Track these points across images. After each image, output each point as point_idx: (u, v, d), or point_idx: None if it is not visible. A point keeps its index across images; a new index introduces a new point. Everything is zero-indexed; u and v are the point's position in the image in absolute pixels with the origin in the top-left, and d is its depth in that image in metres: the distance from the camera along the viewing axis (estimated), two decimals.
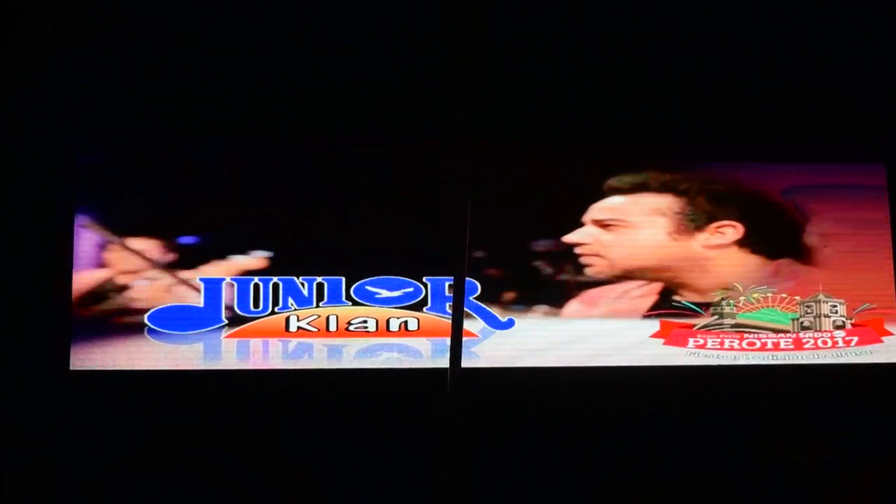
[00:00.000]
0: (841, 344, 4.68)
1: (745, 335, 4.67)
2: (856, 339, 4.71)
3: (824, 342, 4.67)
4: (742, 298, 4.68)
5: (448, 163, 4.74)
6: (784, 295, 4.76)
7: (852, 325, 4.70)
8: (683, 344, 4.66)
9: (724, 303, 4.62)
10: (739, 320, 4.67)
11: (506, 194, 5.01)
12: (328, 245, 4.96)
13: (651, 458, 4.83)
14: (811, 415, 4.75)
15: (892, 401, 4.79)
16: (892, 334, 4.74)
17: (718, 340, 4.67)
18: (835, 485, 4.67)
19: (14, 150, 4.90)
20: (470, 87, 4.08)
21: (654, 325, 4.81)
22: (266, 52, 5.01)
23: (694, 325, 4.71)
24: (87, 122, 4.99)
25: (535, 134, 5.11)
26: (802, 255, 4.95)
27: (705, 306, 4.74)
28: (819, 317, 4.62)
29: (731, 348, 4.65)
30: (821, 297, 4.65)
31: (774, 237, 4.99)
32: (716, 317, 4.62)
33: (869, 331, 4.71)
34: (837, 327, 4.66)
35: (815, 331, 4.66)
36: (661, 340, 4.75)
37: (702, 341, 4.66)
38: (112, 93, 4.98)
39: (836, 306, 4.62)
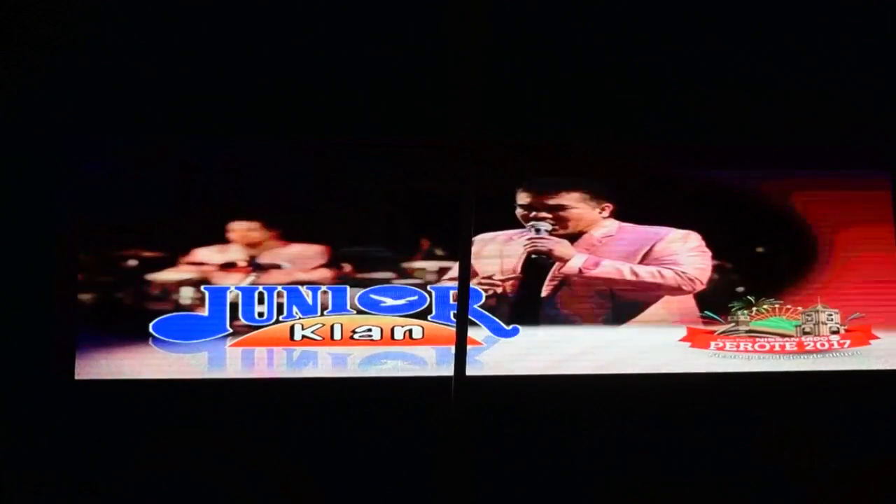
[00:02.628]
0: (836, 346, 5.05)
1: (757, 339, 5.03)
2: (848, 342, 5.07)
3: (822, 345, 5.04)
4: (754, 309, 5.05)
5: (448, 163, 4.76)
6: (788, 306, 5.08)
7: (846, 330, 5.08)
8: (706, 346, 5.00)
9: (739, 312, 5.04)
10: (752, 327, 5.05)
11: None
12: (328, 245, 4.96)
13: (662, 466, 4.88)
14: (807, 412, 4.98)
15: (873, 400, 5.04)
16: (878, 338, 5.08)
17: (735, 343, 5.01)
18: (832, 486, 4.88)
19: (14, 151, 4.86)
20: (470, 87, 4.05)
21: (680, 331, 5.03)
22: (266, 52, 4.96)
23: (714, 331, 5.04)
24: (87, 123, 4.94)
25: (536, 134, 5.11)
26: (806, 262, 5.18)
27: (724, 315, 5.05)
28: (818, 324, 5.06)
29: (746, 350, 5.01)
30: (819, 307, 5.07)
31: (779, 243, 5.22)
32: (732, 324, 5.03)
33: (859, 335, 5.07)
34: (833, 332, 5.06)
35: (815, 335, 5.05)
36: (689, 344, 5.02)
37: (721, 344, 5.02)
38: (112, 93, 4.93)
39: (831, 315, 5.06)
